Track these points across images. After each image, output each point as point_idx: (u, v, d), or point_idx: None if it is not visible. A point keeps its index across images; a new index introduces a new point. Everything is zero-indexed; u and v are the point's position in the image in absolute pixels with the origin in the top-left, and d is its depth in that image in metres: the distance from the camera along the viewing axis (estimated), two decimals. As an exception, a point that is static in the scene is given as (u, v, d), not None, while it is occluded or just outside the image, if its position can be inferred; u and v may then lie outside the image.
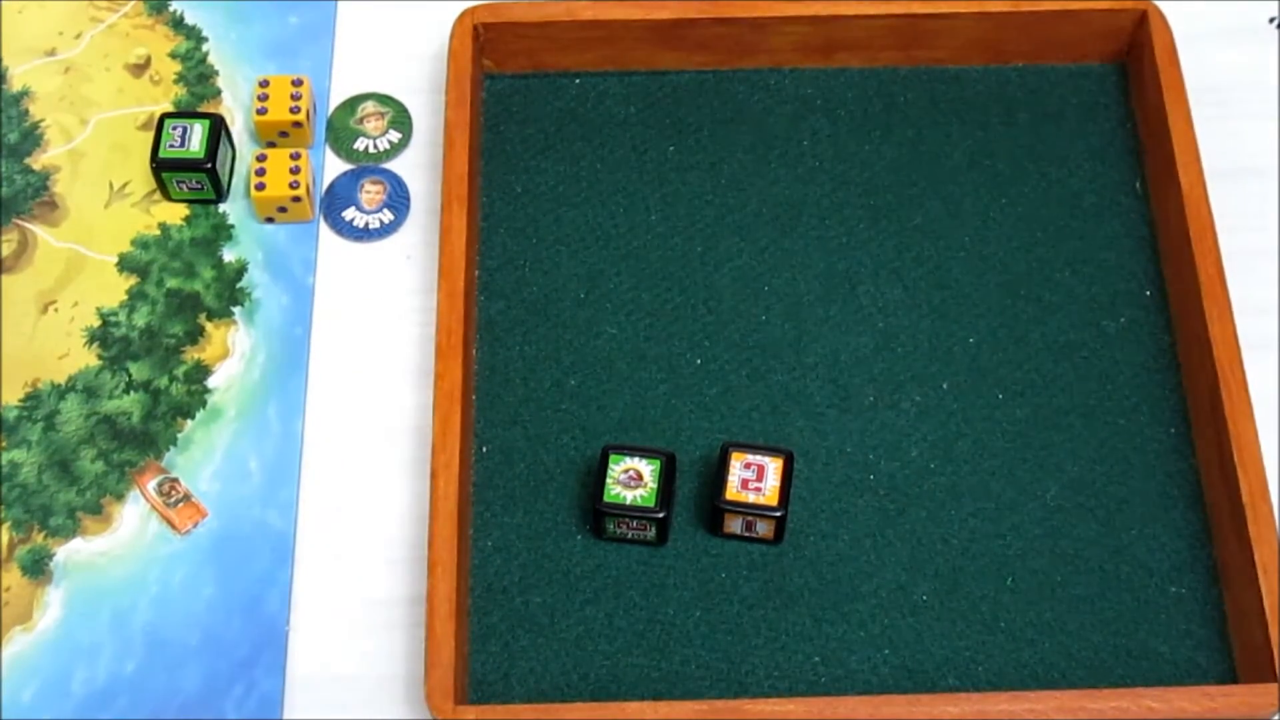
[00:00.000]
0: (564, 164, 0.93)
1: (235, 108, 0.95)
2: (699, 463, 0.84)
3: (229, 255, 0.91)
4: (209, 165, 0.90)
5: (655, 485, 0.81)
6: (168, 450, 0.85)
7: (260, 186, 0.90)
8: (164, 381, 0.87)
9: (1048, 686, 0.79)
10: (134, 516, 0.84)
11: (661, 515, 0.81)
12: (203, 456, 0.85)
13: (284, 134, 0.93)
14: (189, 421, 0.86)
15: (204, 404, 0.87)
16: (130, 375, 0.87)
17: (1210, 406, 0.83)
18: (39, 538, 0.83)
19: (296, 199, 0.90)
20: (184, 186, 0.91)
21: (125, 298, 0.89)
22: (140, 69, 0.97)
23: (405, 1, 0.99)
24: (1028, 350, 0.87)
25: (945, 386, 0.87)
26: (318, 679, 0.80)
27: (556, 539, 0.83)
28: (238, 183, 0.93)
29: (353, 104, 0.95)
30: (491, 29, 0.93)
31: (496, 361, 0.87)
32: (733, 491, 0.81)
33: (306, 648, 0.81)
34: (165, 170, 0.90)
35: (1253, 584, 0.78)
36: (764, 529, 0.82)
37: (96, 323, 0.89)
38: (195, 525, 0.83)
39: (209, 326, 0.89)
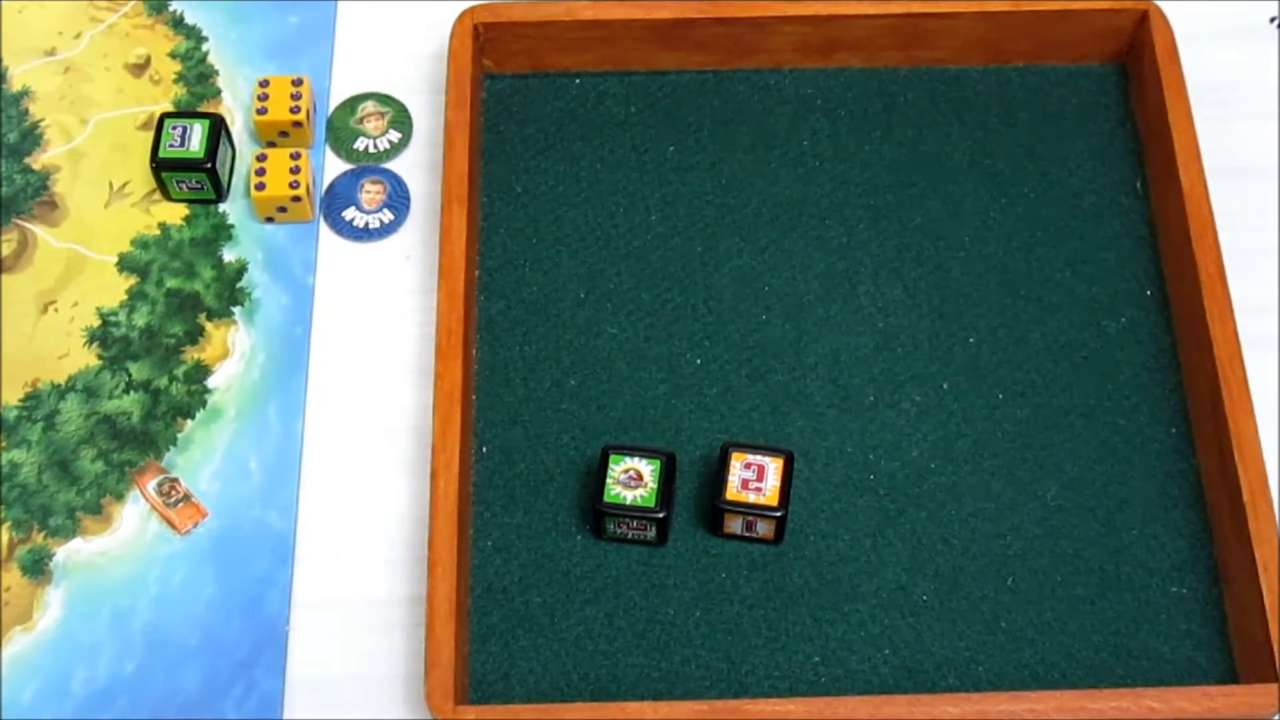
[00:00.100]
0: (564, 164, 0.93)
1: (235, 108, 0.95)
2: (699, 463, 0.84)
3: (229, 255, 0.91)
4: (209, 165, 0.90)
5: (655, 485, 0.81)
6: (168, 450, 0.85)
7: (260, 186, 0.90)
8: (164, 381, 0.87)
9: (1048, 686, 0.79)
10: (134, 516, 0.84)
11: (661, 515, 0.81)
12: (203, 456, 0.85)
13: (284, 134, 0.93)
14: (189, 421, 0.86)
15: (204, 404, 0.87)
16: (130, 375, 0.87)
17: (1210, 406, 0.83)
18: (39, 538, 0.83)
19: (296, 199, 0.90)
20: (184, 186, 0.91)
21: (125, 298, 0.89)
22: (140, 69, 0.97)
23: (405, 1, 0.99)
24: (1028, 350, 0.87)
25: (945, 386, 0.87)
26: (318, 679, 0.80)
27: (556, 539, 0.83)
28: (238, 183, 0.93)
29: (353, 104, 0.95)
30: (491, 29, 0.93)
31: (496, 361, 0.87)
32: (733, 491, 0.81)
33: (306, 648, 0.81)
34: (165, 170, 0.90)
35: (1253, 583, 0.78)
36: (764, 529, 0.82)
37: (96, 323, 0.89)
38: (195, 525, 0.83)
39: (209, 326, 0.89)
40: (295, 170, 0.90)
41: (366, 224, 0.92)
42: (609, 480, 0.81)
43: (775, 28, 0.93)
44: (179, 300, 0.89)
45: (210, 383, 0.87)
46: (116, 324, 0.89)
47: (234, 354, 0.88)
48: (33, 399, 0.87)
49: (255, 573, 0.82)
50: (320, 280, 0.90)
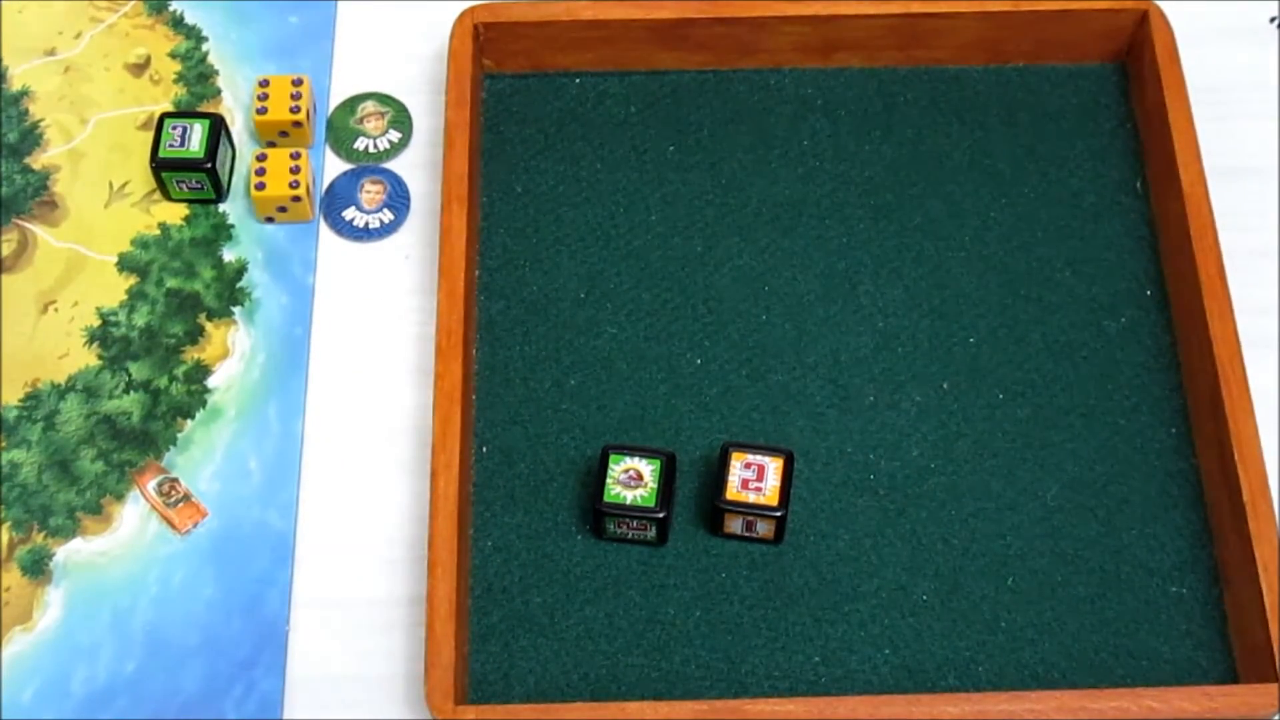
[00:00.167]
0: (564, 164, 0.93)
1: (235, 108, 0.95)
2: (699, 463, 0.84)
3: (229, 255, 0.91)
4: (209, 165, 0.90)
5: (655, 485, 0.81)
6: (168, 450, 0.85)
7: (260, 186, 0.90)
8: (164, 381, 0.87)
9: (1048, 686, 0.79)
10: (134, 516, 0.84)
11: (661, 515, 0.81)
12: (203, 456, 0.85)
13: (284, 134, 0.93)
14: (189, 421, 0.86)
15: (204, 404, 0.87)
16: (130, 375, 0.87)
17: (1210, 406, 0.83)
18: (39, 538, 0.83)
19: (296, 199, 0.90)
20: (184, 186, 0.91)
21: (125, 298, 0.89)
22: (140, 69, 0.97)
23: (405, 1, 0.99)
24: (1028, 350, 0.87)
25: (945, 386, 0.87)
26: (318, 679, 0.80)
27: (556, 539, 0.83)
28: (238, 182, 0.93)
29: (353, 104, 0.95)
30: (491, 29, 0.93)
31: (496, 361, 0.87)
32: (733, 491, 0.81)
33: (306, 648, 0.81)
34: (165, 170, 0.90)
35: (1253, 584, 0.78)
36: (764, 529, 0.82)
37: (96, 323, 0.89)
38: (195, 525, 0.83)
39: (209, 326, 0.89)
40: (295, 170, 0.90)
41: (366, 224, 0.92)
42: (609, 480, 0.81)
43: (775, 28, 0.93)
44: (179, 300, 0.89)
45: (210, 383, 0.87)
46: (116, 324, 0.89)
47: (234, 354, 0.88)
48: (33, 399, 0.87)
49: (255, 573, 0.82)
50: (320, 280, 0.90)
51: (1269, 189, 0.92)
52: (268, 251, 0.91)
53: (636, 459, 0.82)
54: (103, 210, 0.92)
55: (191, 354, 0.88)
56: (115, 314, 0.89)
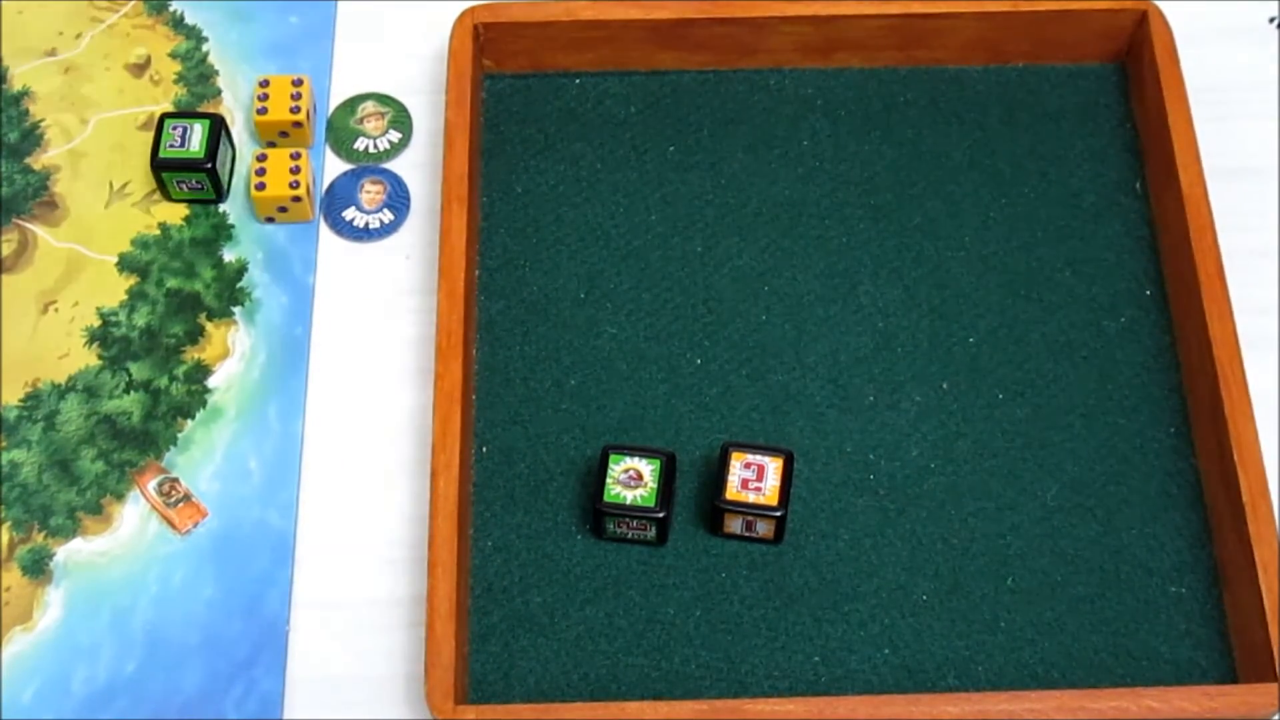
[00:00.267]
0: (564, 164, 0.93)
1: (235, 108, 0.95)
2: (699, 463, 0.84)
3: (229, 255, 0.91)
4: (209, 165, 0.90)
5: (655, 485, 0.81)
6: (168, 450, 0.85)
7: (260, 186, 0.90)
8: (164, 381, 0.87)
9: (1048, 686, 0.79)
10: (134, 516, 0.84)
11: (661, 515, 0.81)
12: (203, 456, 0.85)
13: (284, 134, 0.93)
14: (189, 421, 0.86)
15: (204, 404, 0.87)
16: (130, 375, 0.87)
17: (1210, 406, 0.83)
18: (39, 538, 0.83)
19: (296, 199, 0.90)
20: (184, 186, 0.91)
21: (125, 298, 0.89)
22: (140, 69, 0.97)
23: (405, 1, 0.99)
24: (1028, 350, 0.87)
25: (945, 386, 0.87)
26: (318, 679, 0.80)
27: (556, 539, 0.83)
28: (238, 183, 0.93)
29: (353, 104, 0.95)
30: (491, 29, 0.93)
31: (496, 361, 0.87)
32: (733, 491, 0.81)
33: (306, 648, 0.81)
34: (165, 170, 0.90)
35: (1253, 584, 0.78)
36: (764, 529, 0.82)
37: (96, 323, 0.89)
38: (195, 525, 0.83)
39: (209, 326, 0.89)
40: (295, 170, 0.90)
41: (366, 224, 0.92)
42: (609, 480, 0.81)
43: (775, 28, 0.93)
44: (179, 300, 0.89)
45: (210, 383, 0.87)
46: (116, 324, 0.89)
47: (234, 354, 0.88)
48: (33, 399, 0.87)
49: (255, 573, 0.82)
50: (320, 280, 0.90)
51: (1269, 189, 0.92)
52: (268, 251, 0.91)
53: (636, 459, 0.82)
54: (103, 210, 0.92)
55: (192, 354, 0.88)
56: (115, 314, 0.89)
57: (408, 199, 0.92)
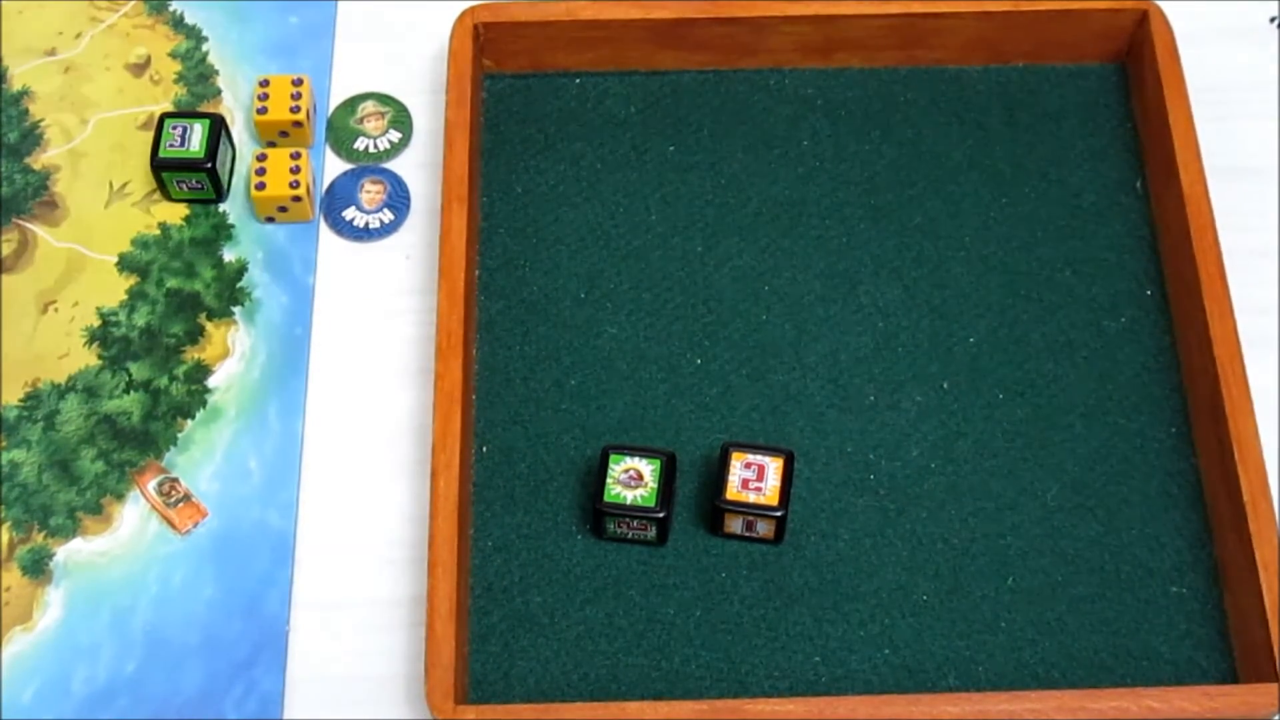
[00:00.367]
0: (564, 164, 0.93)
1: (235, 108, 0.95)
2: (699, 463, 0.84)
3: (229, 255, 0.91)
4: (209, 165, 0.90)
5: (655, 485, 0.81)
6: (168, 450, 0.85)
7: (260, 186, 0.90)
8: (164, 381, 0.87)
9: (1048, 686, 0.79)
10: (134, 516, 0.84)
11: (662, 515, 0.81)
12: (203, 456, 0.85)
13: (284, 134, 0.93)
14: (189, 421, 0.86)
15: (204, 404, 0.87)
16: (130, 375, 0.87)
17: (1210, 406, 0.83)
18: (39, 538, 0.83)
19: (296, 199, 0.90)
20: (184, 186, 0.91)
21: (125, 298, 0.89)
22: (140, 69, 0.97)
23: (405, 1, 0.99)
24: (1028, 350, 0.87)
25: (945, 386, 0.87)
26: (318, 679, 0.80)
27: (556, 539, 0.83)
28: (238, 183, 0.93)
29: (353, 104, 0.95)
30: (491, 29, 0.93)
31: (496, 361, 0.87)
32: (733, 491, 0.81)
33: (306, 648, 0.81)
34: (165, 170, 0.90)
35: (1253, 584, 0.78)
36: (764, 529, 0.82)
37: (96, 322, 0.89)
38: (195, 525, 0.83)
39: (209, 326, 0.89)
40: (295, 170, 0.90)
41: (366, 224, 0.92)
42: (609, 480, 0.81)
43: (775, 28, 0.93)
44: (179, 300, 0.89)
45: (210, 383, 0.87)
46: (116, 324, 0.89)
47: (234, 354, 0.88)
48: (33, 399, 0.87)
49: (255, 573, 0.82)
50: (320, 280, 0.90)
51: (1269, 189, 0.92)
52: (268, 251, 0.91)
53: (636, 459, 0.82)
54: (103, 210, 0.92)
55: (192, 354, 0.88)
56: (115, 314, 0.89)
57: (408, 199, 0.92)
